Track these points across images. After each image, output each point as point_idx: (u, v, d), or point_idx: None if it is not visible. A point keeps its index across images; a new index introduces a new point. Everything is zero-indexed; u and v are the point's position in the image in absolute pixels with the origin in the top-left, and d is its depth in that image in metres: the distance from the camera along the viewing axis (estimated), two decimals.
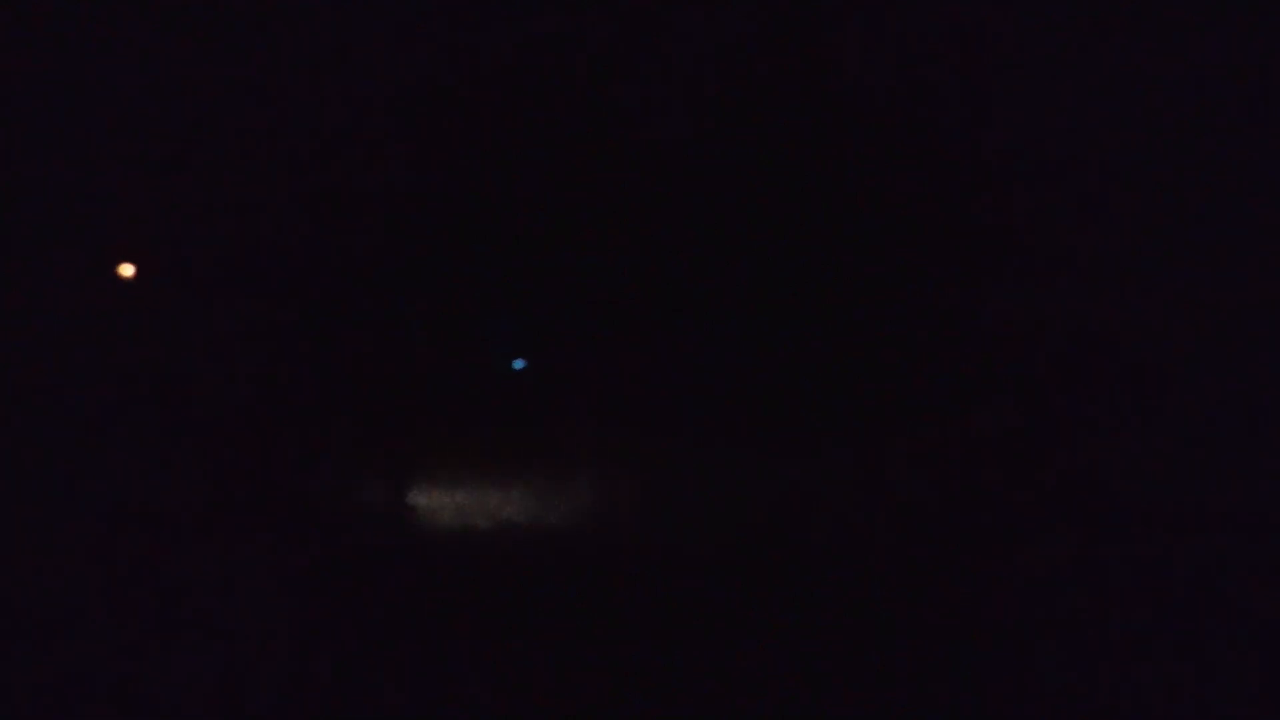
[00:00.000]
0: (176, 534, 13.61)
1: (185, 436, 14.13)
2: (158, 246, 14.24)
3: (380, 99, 14.22)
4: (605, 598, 12.62)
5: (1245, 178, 13.68)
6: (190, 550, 13.39)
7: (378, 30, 14.03)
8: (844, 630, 11.89)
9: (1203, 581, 12.59)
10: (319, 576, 13.11)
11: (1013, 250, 13.98)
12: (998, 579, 12.76)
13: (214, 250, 14.29)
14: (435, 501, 14.47)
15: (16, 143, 13.86)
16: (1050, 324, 13.99)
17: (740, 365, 14.29)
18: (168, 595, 12.66)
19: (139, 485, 14.08)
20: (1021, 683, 11.06)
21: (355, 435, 14.39)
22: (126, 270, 13.98)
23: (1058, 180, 14.00)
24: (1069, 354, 13.97)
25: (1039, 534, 13.24)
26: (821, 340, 14.14)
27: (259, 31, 13.99)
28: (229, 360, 14.25)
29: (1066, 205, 13.96)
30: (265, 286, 14.29)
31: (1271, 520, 13.14)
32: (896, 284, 14.11)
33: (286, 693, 10.99)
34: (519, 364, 14.02)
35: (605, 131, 14.10)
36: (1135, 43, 13.74)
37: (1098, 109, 13.88)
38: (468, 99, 14.21)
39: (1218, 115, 13.69)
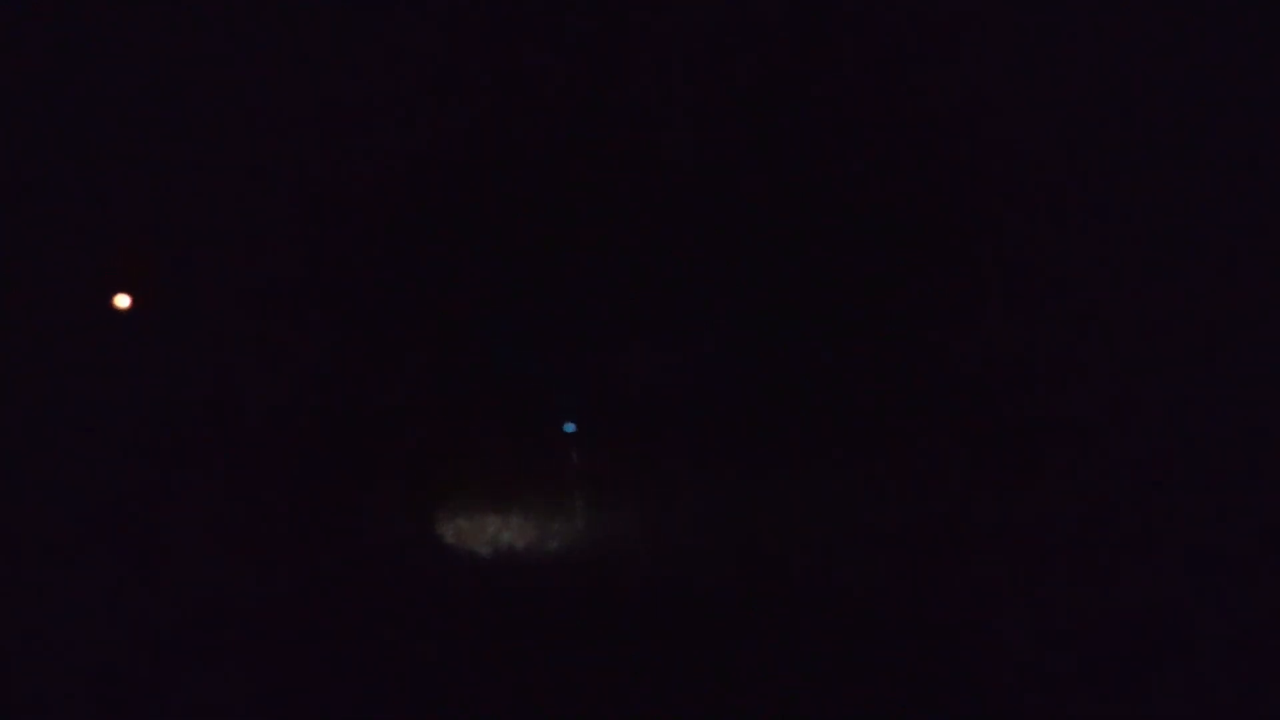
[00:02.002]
0: (175, 549, 13.65)
1: (187, 453, 14.15)
2: (164, 257, 14.27)
3: (388, 107, 14.26)
4: (606, 623, 12.69)
5: (1246, 181, 13.74)
6: (188, 566, 13.44)
7: (386, 37, 14.07)
8: (849, 651, 11.97)
9: (1202, 583, 12.69)
10: (315, 601, 13.15)
11: (1015, 261, 14.02)
12: (1004, 591, 12.84)
13: (223, 267, 14.32)
14: (435, 527, 14.53)
15: (16, 148, 13.87)
16: (1052, 331, 14.04)
17: (742, 387, 14.34)
18: (168, 611, 12.73)
19: (139, 500, 14.12)
20: (1027, 691, 11.16)
21: (352, 459, 14.41)
22: (123, 301, 14.02)
23: (1059, 185, 14.05)
24: (1070, 359, 14.02)
25: (1045, 545, 13.31)
26: (825, 358, 14.18)
27: (265, 39, 14.01)
28: (230, 377, 14.29)
29: (1067, 210, 14.01)
30: (265, 304, 14.33)
31: (1270, 520, 13.22)
32: (899, 295, 14.16)
33: (282, 712, 11.09)
34: (570, 428, 14.07)
35: (606, 142, 14.12)
36: (1136, 45, 13.79)
37: (1099, 111, 13.94)
38: (472, 106, 14.23)
39: (1217, 118, 13.74)
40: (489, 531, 14.93)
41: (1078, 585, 12.76)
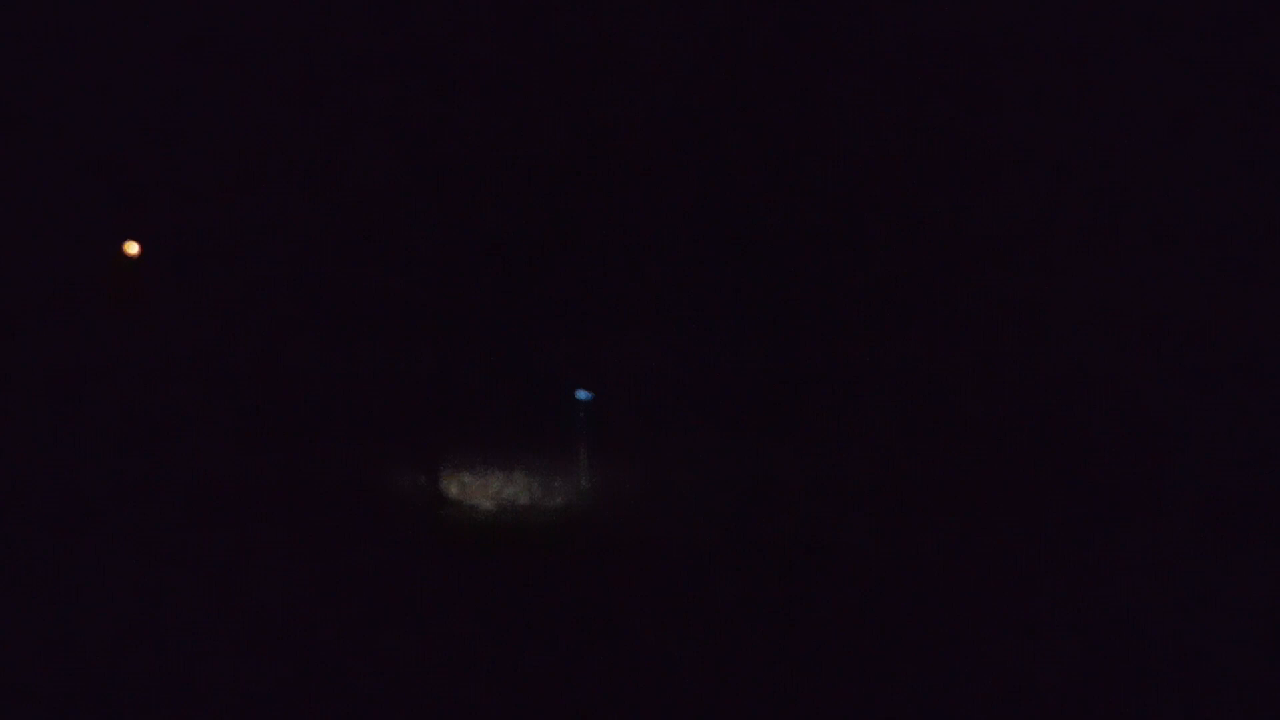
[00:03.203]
0: (184, 523, 13.66)
1: (192, 430, 14.17)
2: (178, 233, 14.29)
3: (393, 104, 14.26)
4: (606, 580, 12.72)
5: (1245, 180, 13.78)
6: (194, 537, 13.44)
7: (394, 35, 14.05)
8: (841, 618, 11.98)
9: (1197, 583, 12.72)
10: (325, 559, 13.17)
11: (1009, 245, 14.06)
12: (996, 571, 12.87)
13: (231, 242, 14.33)
14: (440, 484, 14.56)
15: (15, 144, 13.84)
16: (1046, 319, 14.08)
17: (741, 352, 14.38)
18: (178, 581, 12.75)
19: (149, 478, 14.11)
20: (1016, 680, 11.17)
21: (359, 421, 14.43)
22: (132, 248, 14.01)
23: (1055, 185, 14.08)
24: (1066, 351, 14.07)
25: (1037, 527, 13.33)
26: (821, 328, 14.22)
27: (267, 39, 13.99)
28: (238, 353, 14.31)
29: (1064, 211, 14.05)
30: (272, 277, 14.35)
31: (1268, 521, 13.26)
32: (894, 275, 14.20)
33: (292, 667, 11.13)
34: (583, 394, 14.08)
35: (602, 128, 14.15)
36: (1136, 44, 13.81)
37: (1096, 112, 13.97)
38: (475, 106, 14.25)
39: (1216, 118, 13.77)
40: (493, 490, 15.02)
41: (1076, 583, 12.80)
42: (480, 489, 14.80)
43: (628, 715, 10.81)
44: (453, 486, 14.68)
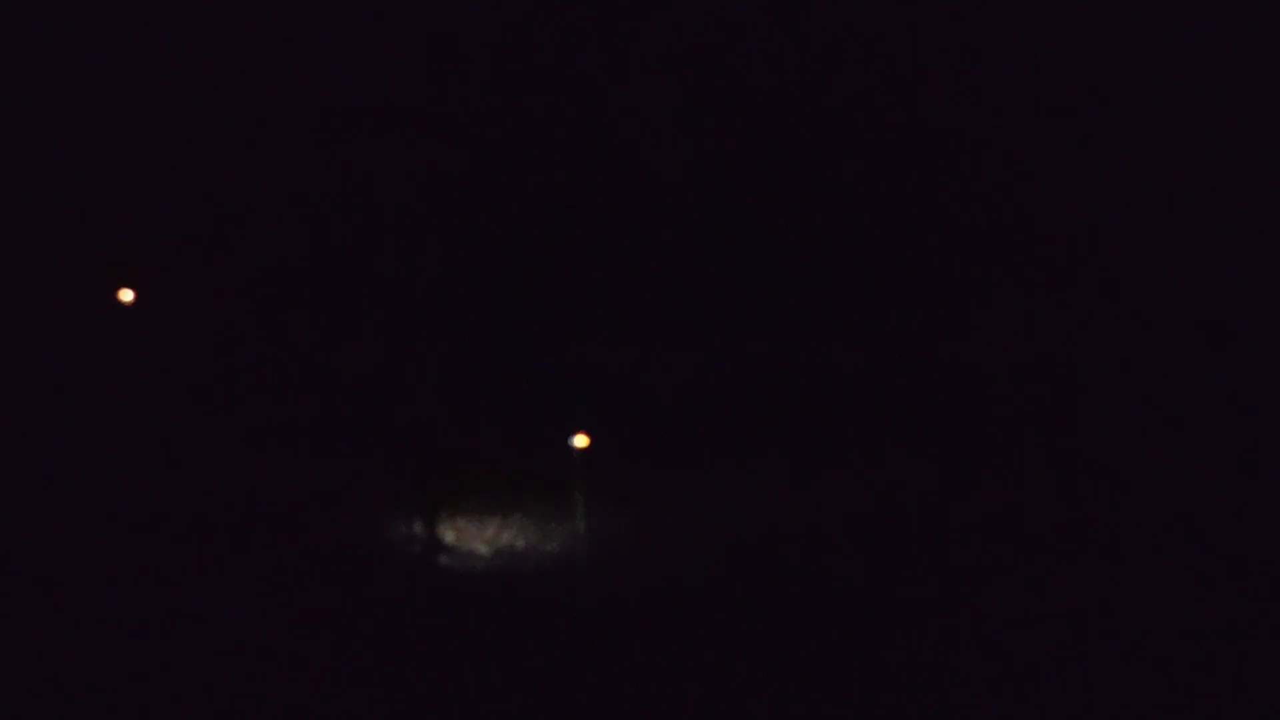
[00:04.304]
0: (182, 554, 13.67)
1: (192, 461, 14.19)
2: (166, 258, 14.34)
3: (393, 110, 14.33)
4: (602, 621, 12.72)
5: (1245, 183, 13.73)
6: (193, 572, 13.45)
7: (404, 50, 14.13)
8: (841, 654, 11.97)
9: (1193, 582, 12.69)
10: (323, 599, 13.19)
11: (1007, 266, 14.03)
12: (998, 597, 12.83)
13: (230, 277, 14.40)
14: (438, 529, 14.59)
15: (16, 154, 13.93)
16: (1044, 334, 14.05)
17: (736, 392, 14.38)
18: (170, 608, 12.76)
19: (148, 509, 14.13)
20: (1020, 686, 11.16)
21: (358, 464, 14.45)
22: (127, 295, 14.07)
23: (1046, 191, 14.07)
24: (1062, 361, 14.03)
25: (1042, 553, 13.29)
26: (819, 366, 14.21)
27: (269, 41, 14.08)
28: (233, 381, 14.35)
29: (1055, 214, 14.02)
30: (269, 307, 14.39)
31: (1267, 527, 13.20)
32: (896, 306, 14.19)
33: (285, 705, 11.14)
34: (579, 440, 14.14)
35: (607, 147, 14.15)
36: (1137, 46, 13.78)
37: (1088, 113, 13.95)
38: (476, 111, 14.30)
39: (1214, 121, 13.73)
40: (490, 533, 15.00)
41: (1069, 583, 12.77)
42: (477, 535, 14.81)
43: None
44: (450, 533, 14.70)
